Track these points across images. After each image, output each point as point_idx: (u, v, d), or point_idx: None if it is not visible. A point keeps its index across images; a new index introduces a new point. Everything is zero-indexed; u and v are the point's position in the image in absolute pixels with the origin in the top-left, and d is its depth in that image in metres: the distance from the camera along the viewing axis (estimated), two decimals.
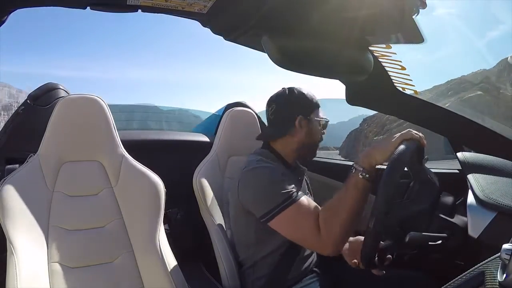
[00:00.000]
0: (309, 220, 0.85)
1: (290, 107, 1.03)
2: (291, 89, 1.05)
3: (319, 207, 0.88)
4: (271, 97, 1.07)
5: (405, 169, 0.76)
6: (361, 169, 0.80)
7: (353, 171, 0.81)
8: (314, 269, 1.06)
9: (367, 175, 0.79)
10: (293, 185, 0.91)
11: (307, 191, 1.17)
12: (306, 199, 0.89)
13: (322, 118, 1.05)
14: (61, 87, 1.13)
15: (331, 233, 0.81)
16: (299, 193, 0.90)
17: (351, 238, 1.00)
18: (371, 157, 0.80)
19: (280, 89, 1.09)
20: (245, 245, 1.03)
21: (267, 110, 1.08)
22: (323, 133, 1.07)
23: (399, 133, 0.78)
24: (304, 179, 1.14)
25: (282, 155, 1.04)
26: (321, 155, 1.53)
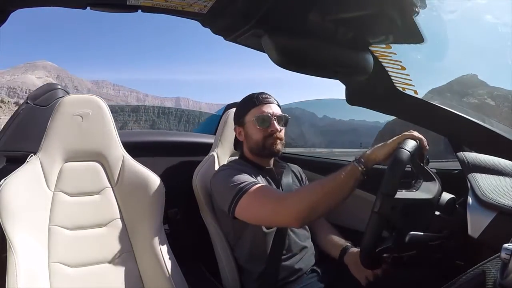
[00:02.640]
0: (267, 198, 0.90)
1: (235, 118, 1.16)
2: (237, 103, 1.17)
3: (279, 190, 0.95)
4: None
5: (409, 169, 0.77)
6: (361, 160, 0.83)
7: (352, 161, 0.85)
8: (314, 268, 1.07)
9: (363, 167, 0.82)
10: (249, 177, 0.98)
11: (297, 185, 1.19)
12: (262, 185, 0.95)
13: (256, 116, 1.07)
14: (60, 87, 1.13)
15: (295, 203, 0.85)
16: (254, 182, 0.96)
17: (355, 250, 1.04)
18: (373, 152, 0.83)
19: None
20: (233, 244, 1.08)
21: None
22: (268, 126, 1.07)
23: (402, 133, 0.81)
24: (291, 175, 1.19)
25: (252, 160, 1.12)
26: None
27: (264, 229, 1.02)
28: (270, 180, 1.10)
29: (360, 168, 0.82)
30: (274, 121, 1.07)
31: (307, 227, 1.13)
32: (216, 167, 1.22)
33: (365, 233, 0.73)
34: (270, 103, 1.10)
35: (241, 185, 0.94)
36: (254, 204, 0.92)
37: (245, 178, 0.98)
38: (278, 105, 1.13)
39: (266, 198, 0.91)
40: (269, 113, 1.07)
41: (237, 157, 1.19)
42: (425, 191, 0.77)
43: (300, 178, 1.24)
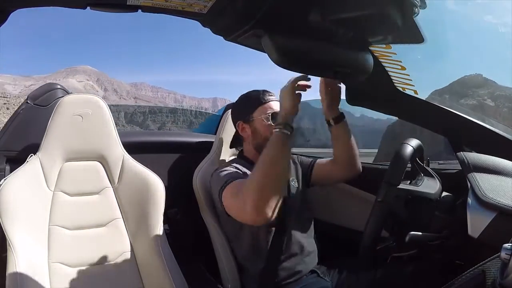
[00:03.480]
0: (237, 193, 0.88)
1: (233, 116, 1.15)
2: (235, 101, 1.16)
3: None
4: None
5: (409, 169, 0.77)
6: (277, 123, 0.86)
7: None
8: (315, 269, 1.07)
9: (281, 126, 0.85)
10: (238, 173, 0.98)
11: (293, 177, 1.17)
12: (236, 181, 0.94)
13: (267, 113, 1.07)
14: (60, 87, 1.13)
15: (249, 197, 0.82)
16: (237, 176, 0.96)
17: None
18: (281, 109, 0.89)
19: None
20: (233, 243, 1.07)
21: None
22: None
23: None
24: (291, 166, 1.17)
25: (251, 159, 1.09)
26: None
27: (263, 228, 1.02)
28: None
29: (279, 129, 0.85)
30: None
31: (310, 226, 1.12)
32: (216, 167, 1.22)
33: (367, 223, 0.73)
34: (276, 100, 1.10)
35: (224, 179, 0.95)
36: (228, 201, 0.93)
37: (234, 174, 0.98)
38: None
39: (236, 195, 0.89)
40: (277, 110, 1.06)
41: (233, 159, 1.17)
42: (427, 187, 0.78)
43: (295, 167, 1.21)
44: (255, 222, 0.87)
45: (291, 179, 1.15)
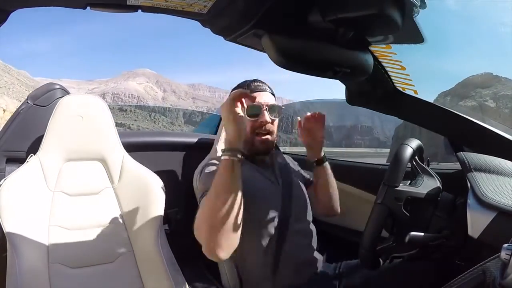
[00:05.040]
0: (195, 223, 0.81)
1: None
2: None
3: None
4: None
5: (409, 169, 0.78)
6: (223, 152, 0.76)
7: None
8: (317, 272, 1.06)
9: (229, 153, 0.75)
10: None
11: (295, 172, 1.15)
12: (205, 202, 0.82)
13: (248, 105, 0.95)
14: (59, 87, 1.13)
15: (201, 235, 0.76)
16: (205, 196, 0.85)
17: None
18: (226, 134, 0.77)
19: None
20: (239, 246, 1.03)
21: None
22: (258, 116, 0.98)
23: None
24: (287, 165, 1.13)
25: (249, 151, 1.00)
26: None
27: (264, 231, 1.00)
28: (264, 171, 1.05)
29: (227, 157, 0.75)
30: (266, 112, 0.98)
31: (311, 227, 1.12)
32: (216, 167, 1.22)
33: (367, 225, 0.73)
34: (261, 91, 1.02)
35: (205, 187, 0.87)
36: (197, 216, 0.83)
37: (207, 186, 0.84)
38: (272, 94, 1.05)
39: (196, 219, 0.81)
40: (260, 102, 0.99)
41: None
42: (426, 187, 0.78)
43: (294, 165, 1.20)
44: (211, 257, 0.76)
45: (293, 174, 1.13)
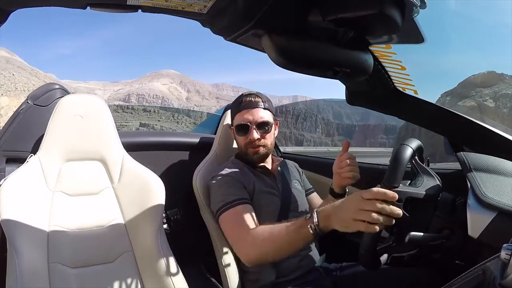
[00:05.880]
0: (241, 228, 0.92)
1: (231, 116, 1.14)
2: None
3: (253, 220, 0.93)
4: None
5: (408, 169, 0.77)
6: (315, 223, 0.76)
7: (308, 217, 0.80)
8: (316, 267, 1.07)
9: (317, 231, 0.76)
10: (240, 190, 0.99)
11: (297, 179, 1.19)
12: (244, 208, 0.96)
13: (237, 124, 1.07)
14: (59, 87, 1.13)
15: (256, 250, 0.88)
16: (240, 200, 0.97)
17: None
18: (330, 221, 0.75)
19: None
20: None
21: None
22: (247, 135, 1.06)
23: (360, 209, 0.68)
24: (289, 169, 1.19)
25: (246, 159, 1.11)
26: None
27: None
28: (265, 177, 1.10)
29: (312, 231, 0.77)
30: (254, 130, 1.05)
31: None
32: (216, 167, 1.22)
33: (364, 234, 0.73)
34: (251, 108, 1.07)
35: (228, 199, 0.98)
36: (228, 225, 0.98)
37: (236, 191, 1.00)
38: (266, 108, 1.09)
39: (235, 227, 0.95)
40: (249, 120, 1.05)
41: (231, 159, 1.19)
42: (426, 187, 0.78)
43: (298, 172, 1.25)
44: (249, 264, 0.94)
45: (293, 181, 1.16)
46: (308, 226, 0.78)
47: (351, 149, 1.05)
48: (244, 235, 0.91)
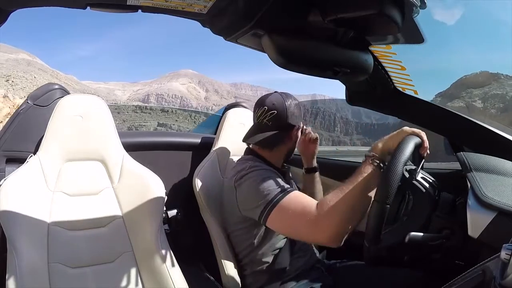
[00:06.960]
0: (304, 211, 0.81)
1: (290, 116, 1.01)
2: (287, 95, 1.05)
3: (313, 199, 0.85)
4: (268, 100, 1.02)
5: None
6: (372, 155, 0.79)
7: (365, 159, 0.80)
8: (316, 265, 1.07)
9: (377, 161, 0.78)
10: (282, 182, 0.92)
11: (295, 186, 1.19)
12: (298, 192, 0.88)
13: (301, 126, 1.08)
14: (59, 87, 1.13)
15: (330, 221, 0.77)
16: (289, 188, 0.88)
17: None
18: (384, 143, 0.79)
19: (274, 92, 1.07)
20: (245, 247, 1.03)
21: (260, 114, 1.02)
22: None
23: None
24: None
25: (268, 160, 1.04)
26: None
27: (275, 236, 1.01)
28: (282, 176, 1.02)
29: (376, 164, 0.78)
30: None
31: None
32: (216, 167, 1.22)
33: (367, 222, 0.72)
34: None
35: (276, 191, 0.87)
36: (287, 216, 0.83)
37: (278, 183, 0.90)
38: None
39: (298, 214, 0.82)
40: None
41: (244, 156, 1.08)
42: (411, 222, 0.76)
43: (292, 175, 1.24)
44: (335, 242, 0.78)
45: (292, 181, 1.16)
46: (370, 162, 0.78)
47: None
48: (313, 214, 0.79)
